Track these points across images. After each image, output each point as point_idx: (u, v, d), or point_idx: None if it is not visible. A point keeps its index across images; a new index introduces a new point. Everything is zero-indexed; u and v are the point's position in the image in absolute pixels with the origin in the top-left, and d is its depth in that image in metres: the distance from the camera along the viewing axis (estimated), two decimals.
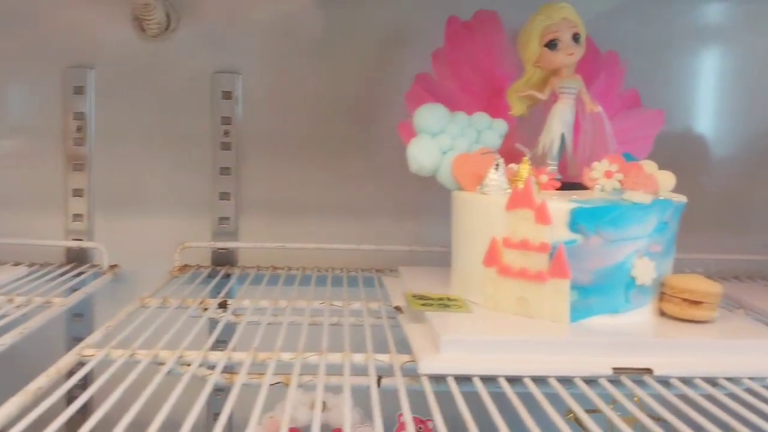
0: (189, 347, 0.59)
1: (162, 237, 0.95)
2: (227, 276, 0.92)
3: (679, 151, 1.02)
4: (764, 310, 0.76)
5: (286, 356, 0.58)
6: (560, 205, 0.61)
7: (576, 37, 0.73)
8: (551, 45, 0.72)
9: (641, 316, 0.63)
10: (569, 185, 0.72)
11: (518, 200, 0.62)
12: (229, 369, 0.57)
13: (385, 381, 0.55)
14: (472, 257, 0.66)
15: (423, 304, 0.64)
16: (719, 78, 1.04)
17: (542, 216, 0.61)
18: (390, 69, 0.95)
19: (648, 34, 0.99)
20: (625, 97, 0.85)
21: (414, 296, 0.67)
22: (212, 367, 0.56)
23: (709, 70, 1.04)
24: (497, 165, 0.67)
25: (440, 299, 0.66)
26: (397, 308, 0.70)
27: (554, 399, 0.51)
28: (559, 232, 0.61)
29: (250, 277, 0.89)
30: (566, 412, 0.77)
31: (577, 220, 0.60)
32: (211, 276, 0.91)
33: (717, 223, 1.03)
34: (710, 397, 0.52)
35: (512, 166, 0.69)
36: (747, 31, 1.02)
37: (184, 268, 0.92)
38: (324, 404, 0.79)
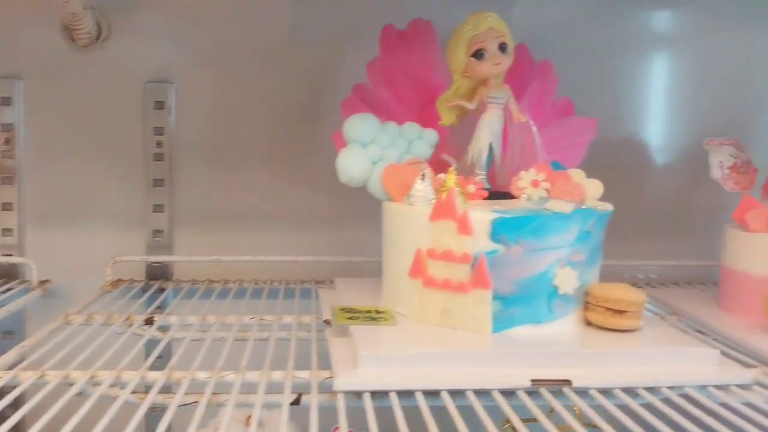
0: (106, 366, 0.57)
1: (95, 251, 0.92)
2: (161, 290, 0.89)
3: (625, 157, 1.03)
4: (696, 316, 0.76)
5: (201, 375, 0.56)
6: (482, 216, 0.60)
7: (503, 47, 0.73)
8: (478, 55, 0.72)
9: (565, 325, 0.63)
10: (498, 195, 0.72)
11: (441, 211, 0.62)
12: (142, 388, 0.55)
13: (304, 398, 0.53)
14: (400, 269, 0.65)
15: (349, 318, 0.63)
16: (667, 84, 1.05)
17: (464, 227, 0.60)
18: (328, 78, 0.94)
19: (598, 40, 1.00)
20: (557, 106, 0.85)
21: (341, 309, 0.66)
22: (125, 387, 0.54)
23: (657, 77, 1.05)
24: (423, 175, 0.66)
25: (368, 312, 0.66)
26: (326, 322, 0.69)
27: (494, 410, 0.51)
28: (480, 243, 0.60)
29: (183, 291, 0.87)
30: (503, 422, 0.77)
31: (498, 231, 0.60)
32: (144, 290, 0.89)
33: (660, 228, 1.04)
34: (627, 408, 0.52)
35: (440, 176, 0.68)
36: (694, 39, 1.03)
37: (117, 282, 0.90)
38: (260, 421, 0.77)
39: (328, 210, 0.95)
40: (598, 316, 0.62)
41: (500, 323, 0.61)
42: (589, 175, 0.70)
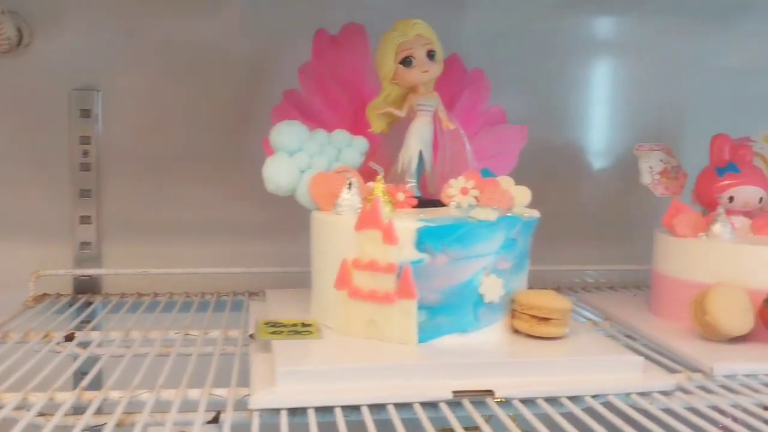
0: (16, 387, 0.55)
1: (19, 264, 0.88)
2: (88, 304, 0.86)
3: (563, 164, 1.04)
4: (627, 322, 0.76)
5: (114, 394, 0.54)
6: (407, 225, 0.59)
7: (431, 54, 0.72)
8: (406, 62, 0.71)
9: (491, 334, 0.62)
10: (429, 203, 0.71)
11: (366, 220, 0.61)
12: (52, 409, 0.53)
13: (222, 416, 0.52)
14: (327, 280, 0.64)
15: (272, 332, 0.62)
16: (606, 91, 1.06)
17: (389, 236, 0.59)
18: (260, 83, 0.92)
19: (539, 48, 1.01)
20: (489, 114, 0.85)
21: (266, 323, 0.64)
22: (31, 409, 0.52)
23: (596, 84, 1.06)
24: (350, 184, 0.65)
25: (294, 325, 0.64)
26: (252, 336, 0.67)
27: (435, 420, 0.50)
28: (406, 252, 0.59)
29: (111, 305, 0.85)
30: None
31: (423, 240, 0.59)
32: (71, 305, 0.86)
33: (597, 233, 1.04)
34: (547, 418, 0.51)
35: (369, 184, 0.67)
36: (632, 47, 1.05)
37: (42, 297, 0.86)
38: None
39: (262, 219, 0.93)
40: (524, 323, 0.62)
41: (426, 333, 0.60)
42: (528, 182, 0.69)
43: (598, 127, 1.07)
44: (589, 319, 0.79)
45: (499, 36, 1.00)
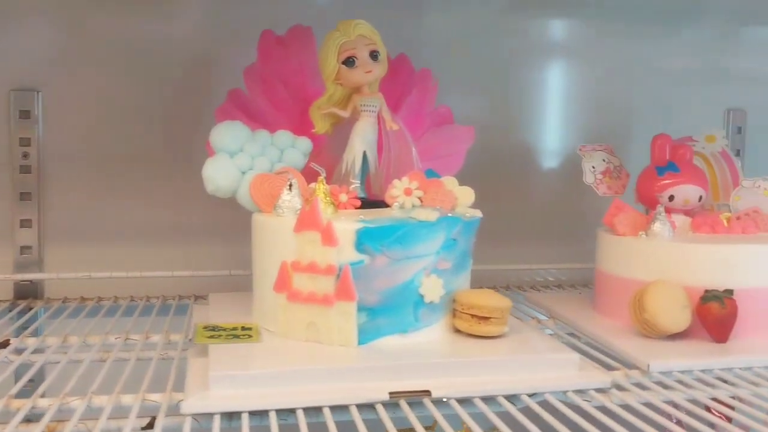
0: None
1: None
2: (29, 310, 0.84)
3: (513, 164, 1.05)
4: (571, 320, 0.77)
5: (44, 402, 0.53)
6: (346, 226, 0.59)
7: (374, 55, 0.72)
8: (348, 62, 0.71)
9: (432, 334, 0.62)
10: (373, 203, 0.71)
11: (305, 222, 0.60)
12: None
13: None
14: (267, 283, 0.63)
15: (210, 336, 0.61)
16: (555, 92, 1.08)
17: (328, 237, 0.59)
18: (205, 84, 0.91)
19: (491, 50, 1.02)
20: (437, 114, 0.85)
21: (205, 327, 0.63)
22: None
23: (545, 85, 1.07)
24: (290, 185, 0.65)
25: (233, 329, 0.63)
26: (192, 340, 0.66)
27: (375, 424, 0.50)
28: (345, 254, 0.59)
29: (52, 310, 0.83)
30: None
31: (362, 241, 0.59)
32: (10, 310, 0.83)
33: (546, 232, 1.06)
34: (482, 417, 0.51)
35: (311, 186, 0.67)
36: (581, 50, 1.07)
37: None
38: None
39: (210, 221, 0.92)
40: (464, 323, 0.62)
41: (366, 335, 0.60)
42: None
43: (548, 128, 1.08)
44: (535, 318, 0.80)
45: (450, 37, 1.01)
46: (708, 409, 0.56)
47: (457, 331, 0.64)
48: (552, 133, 1.08)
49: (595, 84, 1.08)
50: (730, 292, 0.67)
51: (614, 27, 1.07)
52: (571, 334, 0.74)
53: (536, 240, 1.05)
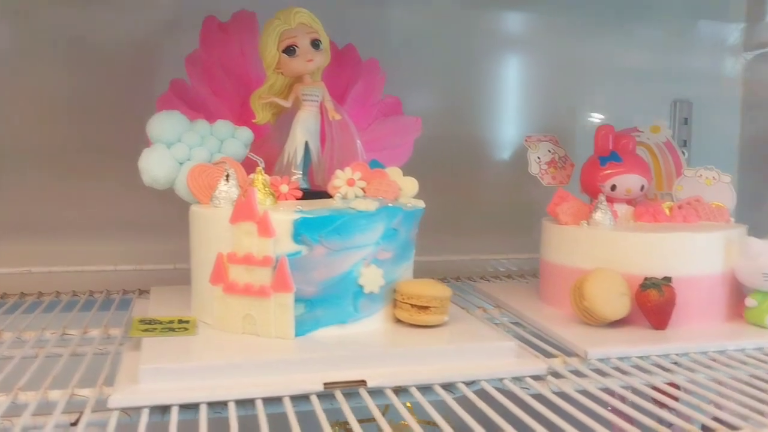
0: None
1: None
2: None
3: (465, 156, 1.05)
4: (516, 309, 0.78)
5: None
6: (283, 217, 0.58)
7: (315, 43, 0.71)
8: (289, 51, 0.70)
9: (372, 324, 0.62)
10: (316, 194, 0.70)
11: (241, 213, 0.59)
12: None
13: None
14: (205, 275, 0.62)
15: (145, 330, 0.60)
16: (508, 85, 1.08)
17: (265, 228, 0.58)
18: (147, 73, 0.89)
19: (446, 41, 1.02)
20: (384, 104, 0.85)
21: (141, 321, 0.62)
22: None
23: (503, 77, 1.08)
24: (227, 176, 0.64)
25: (170, 322, 0.62)
26: None
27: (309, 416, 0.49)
28: (282, 245, 0.58)
29: None
30: (333, 424, 0.75)
31: (300, 231, 0.58)
32: None
33: (496, 223, 1.06)
34: (417, 406, 0.51)
35: (251, 176, 0.66)
36: (540, 41, 1.08)
37: None
38: None
39: (155, 214, 0.90)
40: (404, 312, 0.62)
41: (304, 326, 0.59)
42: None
43: (500, 120, 1.09)
44: (481, 308, 0.80)
45: (407, 30, 1.01)
46: (655, 394, 0.56)
47: (398, 321, 0.63)
48: (503, 126, 1.09)
49: (546, 78, 1.09)
50: (668, 279, 0.68)
51: (566, 22, 1.08)
52: (516, 323, 0.75)
53: (487, 231, 1.06)
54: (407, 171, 0.68)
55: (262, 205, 0.61)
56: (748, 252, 0.69)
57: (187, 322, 0.62)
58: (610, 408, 0.52)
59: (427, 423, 0.51)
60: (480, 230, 1.06)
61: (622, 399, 0.54)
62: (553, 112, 1.09)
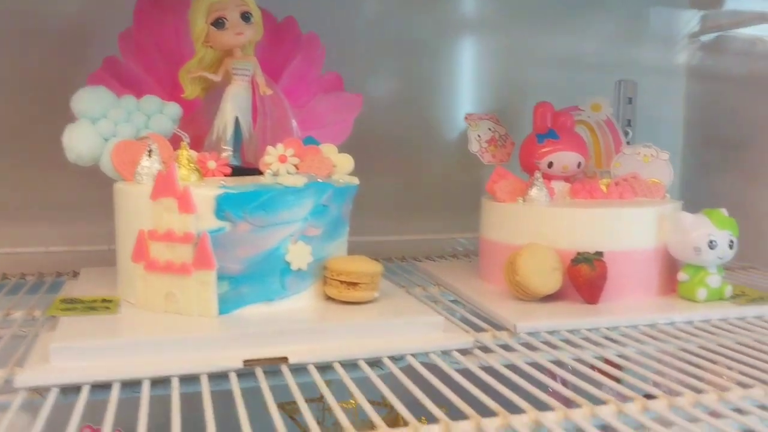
0: None
1: None
2: None
3: (412, 136, 1.05)
4: (454, 287, 0.77)
5: None
6: (205, 192, 0.57)
7: (246, 16, 0.69)
8: (218, 24, 0.68)
9: (301, 302, 0.61)
10: (247, 171, 0.69)
11: (161, 188, 0.58)
12: None
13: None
14: (129, 254, 0.61)
15: (66, 309, 0.58)
16: (457, 67, 1.07)
17: (185, 204, 0.57)
18: (83, 52, 0.86)
19: (400, 23, 1.01)
20: (324, 80, 0.83)
21: (62, 300, 0.60)
22: None
23: (448, 60, 1.07)
24: (150, 151, 0.62)
25: (93, 302, 0.60)
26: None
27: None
28: (204, 221, 0.57)
29: None
30: (278, 405, 0.73)
31: (222, 207, 0.57)
32: None
33: (448, 204, 1.06)
34: (340, 384, 0.51)
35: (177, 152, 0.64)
36: (488, 24, 1.07)
37: None
38: None
39: (89, 195, 0.87)
40: (333, 289, 0.61)
41: (229, 304, 0.58)
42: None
43: (449, 101, 1.08)
44: (421, 286, 0.80)
45: (352, 7, 0.99)
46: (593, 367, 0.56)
47: (329, 299, 0.62)
48: (452, 107, 1.08)
49: (496, 62, 1.09)
50: (600, 254, 0.68)
51: (519, 6, 1.07)
52: (455, 302, 0.74)
53: (434, 211, 1.05)
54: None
55: (185, 181, 0.60)
56: (679, 226, 0.70)
57: (110, 301, 0.61)
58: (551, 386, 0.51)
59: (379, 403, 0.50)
60: (427, 210, 1.05)
61: (552, 375, 0.54)
62: (502, 96, 1.09)
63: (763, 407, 0.48)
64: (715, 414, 0.47)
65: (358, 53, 0.99)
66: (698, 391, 0.49)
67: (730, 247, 0.69)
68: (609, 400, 0.47)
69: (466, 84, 1.08)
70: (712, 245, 0.68)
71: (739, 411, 0.47)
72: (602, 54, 1.12)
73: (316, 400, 0.67)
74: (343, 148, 0.68)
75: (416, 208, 1.05)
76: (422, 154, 1.06)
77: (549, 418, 0.44)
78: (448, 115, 1.08)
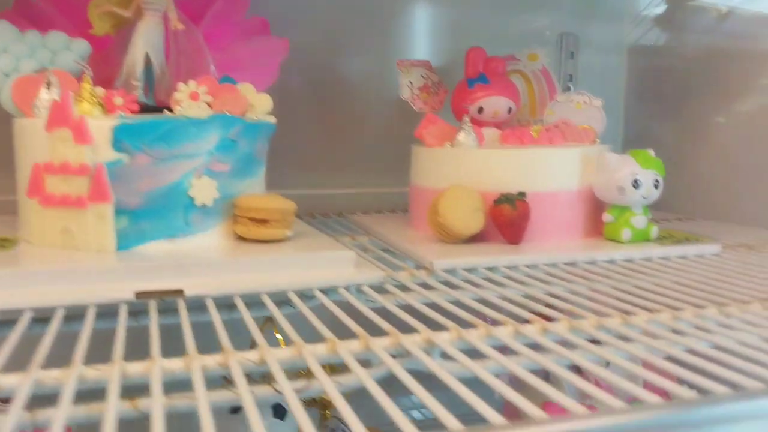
0: None
1: None
2: None
3: (348, 90, 1.02)
4: (384, 235, 0.75)
5: None
6: (101, 123, 0.54)
7: None
8: None
9: (206, 240, 0.59)
10: (158, 109, 0.66)
11: (55, 119, 0.55)
12: None
13: None
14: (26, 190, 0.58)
15: None
16: (404, 17, 1.05)
17: (81, 135, 0.54)
18: None
19: None
20: (249, 24, 0.81)
21: None
22: None
23: (393, 10, 1.04)
24: (48, 83, 0.59)
25: None
26: None
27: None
28: (101, 152, 0.54)
29: None
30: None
31: (120, 138, 0.54)
32: None
33: (378, 156, 1.02)
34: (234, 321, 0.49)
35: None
36: None
37: None
38: None
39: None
40: (243, 227, 0.59)
41: (128, 240, 0.55)
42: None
43: (383, 53, 1.05)
44: (350, 235, 0.78)
45: None
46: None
47: (239, 238, 0.60)
48: (387, 59, 1.05)
49: (437, 13, 1.06)
50: (522, 194, 0.66)
51: None
52: (386, 250, 0.72)
53: (370, 165, 1.02)
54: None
55: (86, 114, 0.57)
56: (604, 166, 0.69)
57: (8, 241, 0.58)
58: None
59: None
60: (363, 164, 1.02)
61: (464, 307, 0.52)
62: (439, 47, 1.06)
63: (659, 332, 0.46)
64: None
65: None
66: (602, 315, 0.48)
67: (656, 186, 0.68)
68: (506, 322, 0.45)
69: (401, 34, 1.05)
70: (636, 184, 0.67)
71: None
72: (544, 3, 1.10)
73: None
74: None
75: (351, 162, 1.02)
76: (355, 107, 1.03)
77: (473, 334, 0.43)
78: (382, 66, 1.04)
